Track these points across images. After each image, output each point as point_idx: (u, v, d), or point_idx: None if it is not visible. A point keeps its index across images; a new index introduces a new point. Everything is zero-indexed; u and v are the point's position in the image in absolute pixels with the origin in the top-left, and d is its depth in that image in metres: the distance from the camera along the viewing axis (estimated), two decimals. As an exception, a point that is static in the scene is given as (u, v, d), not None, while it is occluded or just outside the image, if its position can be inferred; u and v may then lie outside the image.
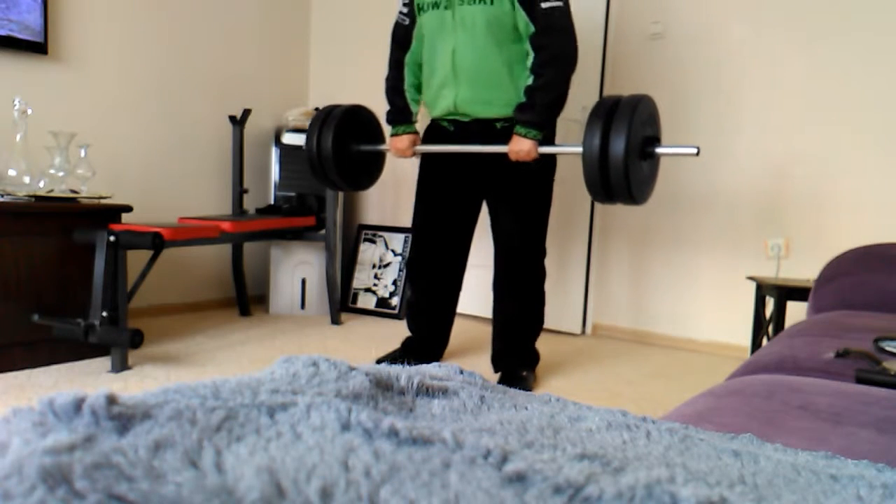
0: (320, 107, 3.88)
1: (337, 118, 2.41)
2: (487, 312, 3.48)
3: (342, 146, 2.43)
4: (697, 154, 1.95)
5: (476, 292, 3.53)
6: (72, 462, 0.27)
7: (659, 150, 2.01)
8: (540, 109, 2.16)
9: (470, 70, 2.24)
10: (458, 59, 2.25)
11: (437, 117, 2.42)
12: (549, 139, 2.33)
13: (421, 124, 2.47)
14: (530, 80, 2.18)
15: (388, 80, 2.48)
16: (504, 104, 2.26)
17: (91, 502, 0.25)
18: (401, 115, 2.44)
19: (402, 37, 2.43)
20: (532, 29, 2.17)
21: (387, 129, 2.52)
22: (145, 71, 3.27)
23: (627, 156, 1.86)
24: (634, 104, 1.90)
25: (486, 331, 3.22)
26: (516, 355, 2.43)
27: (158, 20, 3.31)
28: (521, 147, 2.16)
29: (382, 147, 2.53)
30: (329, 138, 2.38)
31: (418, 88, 2.45)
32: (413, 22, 2.40)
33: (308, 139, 2.43)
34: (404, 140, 2.41)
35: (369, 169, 2.61)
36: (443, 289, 2.51)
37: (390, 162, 3.89)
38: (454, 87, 2.28)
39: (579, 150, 1.97)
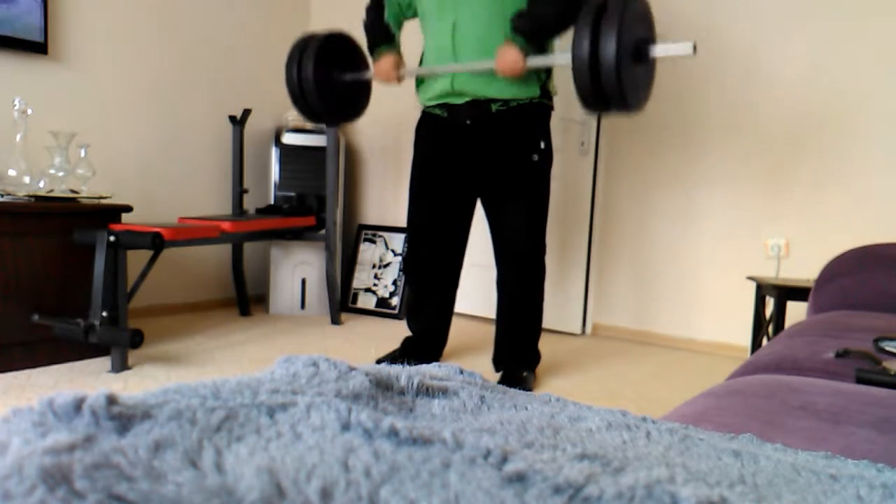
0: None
1: (316, 46, 2.30)
2: (487, 312, 3.48)
3: (324, 75, 2.31)
4: (694, 52, 1.81)
5: (476, 292, 3.53)
6: (72, 462, 0.27)
7: (653, 50, 1.86)
8: (535, 19, 2.06)
9: (471, 44, 2.18)
10: (459, 33, 2.19)
11: (430, 103, 2.36)
12: (545, 128, 2.28)
13: (413, 116, 2.41)
14: None
15: (366, 14, 2.40)
16: (506, 84, 2.18)
17: (91, 502, 0.25)
18: (381, 37, 2.34)
19: None
20: None
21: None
22: (145, 71, 3.27)
23: (619, 58, 1.72)
24: (624, 2, 1.76)
25: (486, 331, 3.22)
26: (518, 356, 2.42)
27: (158, 20, 3.31)
28: (505, 56, 2.04)
29: (366, 74, 2.41)
30: (310, 67, 2.27)
31: (399, 24, 2.38)
32: None
33: (287, 69, 2.32)
34: (387, 61, 2.30)
35: (354, 99, 2.48)
36: (440, 288, 2.50)
37: (390, 161, 3.90)
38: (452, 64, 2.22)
39: (568, 57, 1.82)
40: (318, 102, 2.32)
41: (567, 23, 2.05)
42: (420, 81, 2.41)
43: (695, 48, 1.81)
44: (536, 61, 2.09)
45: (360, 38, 2.46)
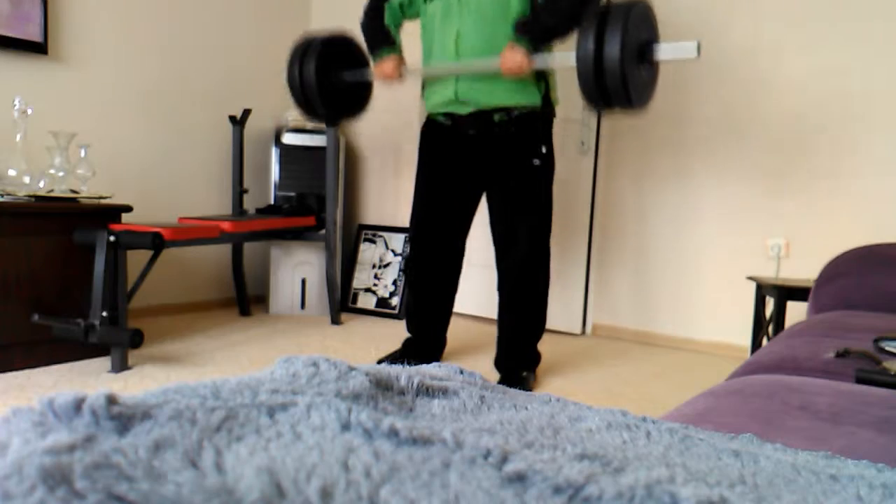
0: (320, 107, 3.88)
1: (318, 46, 2.31)
2: (487, 312, 3.48)
3: (325, 75, 2.33)
4: (698, 54, 1.81)
5: (476, 292, 3.52)
6: (72, 462, 0.27)
7: (656, 51, 1.87)
8: (539, 27, 2.09)
9: (474, 53, 2.20)
10: (463, 42, 2.21)
11: (434, 111, 2.39)
12: (546, 134, 2.30)
13: (417, 122, 2.44)
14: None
15: (364, 16, 2.42)
16: (507, 92, 2.21)
17: (91, 502, 0.25)
18: (382, 39, 2.36)
19: None
20: None
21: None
22: (145, 71, 3.27)
23: (623, 58, 1.74)
24: (629, 5, 1.79)
25: (486, 331, 3.21)
26: (518, 356, 2.42)
27: (158, 20, 3.31)
28: (512, 56, 2.06)
29: (367, 74, 2.42)
30: (311, 67, 2.28)
31: (398, 27, 2.38)
32: None
33: (289, 69, 2.33)
34: (389, 63, 2.31)
35: (355, 98, 2.50)
36: (440, 289, 2.51)
37: (389, 161, 3.90)
38: (455, 74, 2.25)
39: (573, 57, 1.84)
40: (320, 102, 2.33)
41: (569, 31, 2.09)
42: (425, 89, 2.42)
43: (699, 49, 1.81)
44: (542, 61, 2.11)
45: (360, 38, 2.46)
